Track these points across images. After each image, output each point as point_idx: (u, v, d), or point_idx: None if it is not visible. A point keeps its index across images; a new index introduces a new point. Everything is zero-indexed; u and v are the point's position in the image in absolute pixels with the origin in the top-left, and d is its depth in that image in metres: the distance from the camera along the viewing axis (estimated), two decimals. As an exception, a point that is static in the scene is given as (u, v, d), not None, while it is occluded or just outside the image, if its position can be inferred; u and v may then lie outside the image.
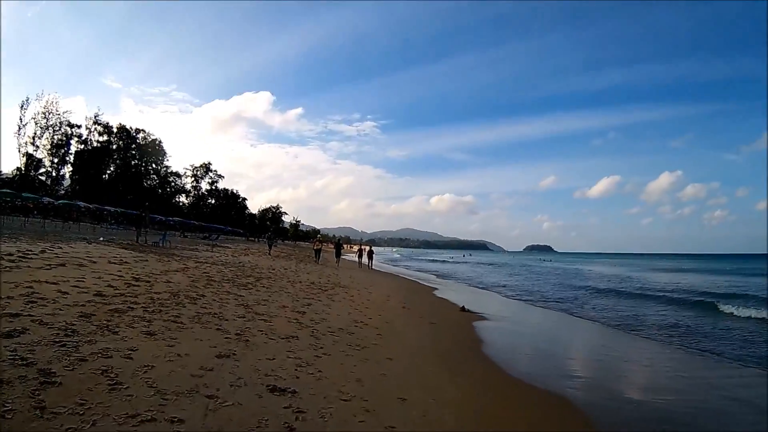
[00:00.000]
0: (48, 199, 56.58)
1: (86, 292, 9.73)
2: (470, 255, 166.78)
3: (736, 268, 73.78)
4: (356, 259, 46.02)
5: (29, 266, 11.89)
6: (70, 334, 6.70)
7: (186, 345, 7.22)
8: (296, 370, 6.95)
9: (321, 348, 8.49)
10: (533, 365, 10.20)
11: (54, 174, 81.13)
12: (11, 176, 74.94)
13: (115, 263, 15.52)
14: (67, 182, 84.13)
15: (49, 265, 12.64)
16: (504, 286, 33.85)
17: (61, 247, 17.81)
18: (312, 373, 6.92)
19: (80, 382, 5.16)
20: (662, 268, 79.07)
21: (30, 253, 14.56)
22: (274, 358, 7.31)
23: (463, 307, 17.98)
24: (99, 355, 6.07)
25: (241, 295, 13.05)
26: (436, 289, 27.07)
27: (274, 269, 24.66)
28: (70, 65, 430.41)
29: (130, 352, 6.42)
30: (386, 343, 9.91)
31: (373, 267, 43.48)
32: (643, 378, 10.04)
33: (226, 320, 9.45)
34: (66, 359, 5.71)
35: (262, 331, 9.03)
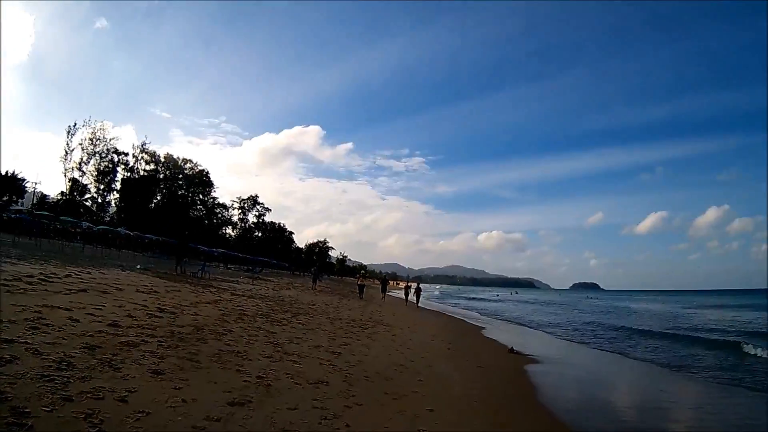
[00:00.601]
0: (87, 223, 57.01)
1: (100, 322, 8.98)
2: (516, 293, 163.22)
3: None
4: (403, 296, 43.87)
5: (46, 290, 11.33)
6: (64, 367, 5.91)
7: (196, 388, 6.30)
8: (320, 423, 5.95)
9: (352, 396, 7.43)
10: (594, 417, 8.94)
11: (99, 200, 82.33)
12: (55, 200, 76.39)
13: (143, 292, 14.84)
14: (112, 209, 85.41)
15: (69, 290, 12.05)
16: (553, 325, 32.29)
17: (90, 273, 17.34)
18: (338, 429, 5.91)
19: (56, 426, 4.42)
20: (711, 304, 75.73)
21: (53, 276, 14.07)
22: (296, 408, 6.32)
23: (512, 348, 16.74)
24: (89, 395, 5.26)
25: (273, 332, 12.11)
26: (483, 328, 25.76)
27: (314, 304, 23.74)
28: (120, 94, 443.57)
29: (127, 393, 5.58)
30: (428, 391, 8.79)
31: (419, 305, 40.85)
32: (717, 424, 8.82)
33: (250, 360, 8.50)
34: (48, 397, 4.97)
35: (288, 374, 8.04)
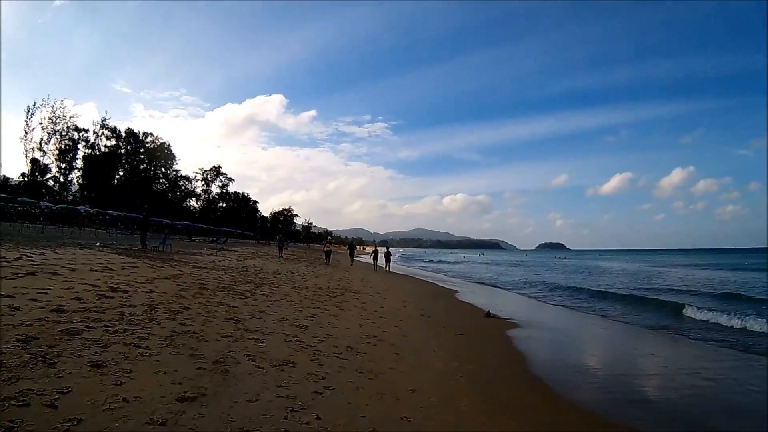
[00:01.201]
0: (46, 203, 55.37)
1: (43, 308, 7.95)
2: (483, 255, 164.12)
3: (755, 263, 71.53)
4: (370, 261, 41.72)
5: None
6: (-13, 366, 4.95)
7: (141, 382, 5.36)
8: (285, 418, 5.03)
9: (323, 379, 6.51)
10: (599, 389, 8.14)
11: (62, 179, 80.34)
12: (17, 182, 74.19)
13: (97, 270, 13.77)
14: (75, 188, 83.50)
15: (16, 274, 10.99)
16: (526, 285, 31.96)
17: (43, 254, 16.25)
18: (307, 422, 4.99)
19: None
20: (680, 264, 76.98)
21: (2, 260, 12.96)
22: (257, 399, 5.40)
23: (489, 312, 16.04)
24: (12, 402, 4.34)
25: (234, 306, 11.12)
26: (455, 291, 25.04)
27: (279, 273, 22.81)
28: (80, 71, 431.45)
29: (58, 395, 4.65)
30: (406, 367, 7.92)
31: (389, 270, 39.05)
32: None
33: (206, 341, 7.52)
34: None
35: (249, 355, 7.09)
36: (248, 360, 6.85)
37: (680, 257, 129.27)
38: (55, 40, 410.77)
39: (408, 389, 6.64)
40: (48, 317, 7.37)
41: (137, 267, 16.36)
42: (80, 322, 7.43)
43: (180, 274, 16.01)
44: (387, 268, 38.63)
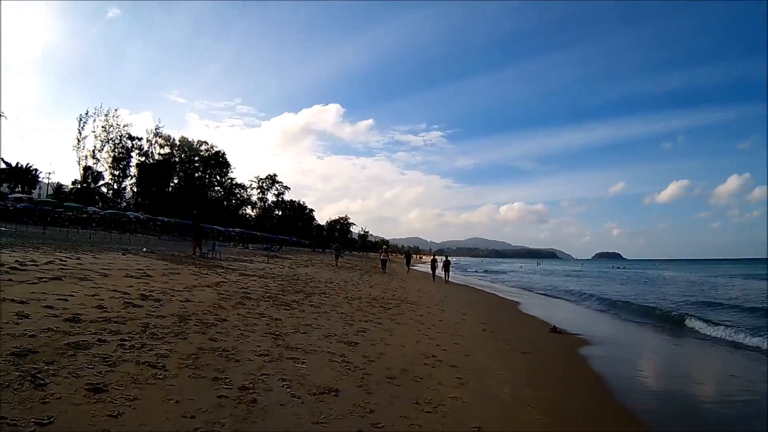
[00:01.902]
0: (94, 208, 56.07)
1: (57, 316, 7.21)
2: (539, 264, 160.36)
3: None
4: (429, 270, 39.53)
5: (11, 279, 9.71)
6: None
7: (144, 412, 4.43)
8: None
9: (370, 413, 5.32)
10: (695, 421, 6.86)
11: (115, 187, 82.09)
12: (69, 189, 76.08)
13: (133, 276, 13.16)
14: (129, 195, 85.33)
15: (40, 278, 10.41)
16: (588, 297, 30.04)
17: (79, 258, 15.76)
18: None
19: None
20: (739, 274, 72.32)
21: (30, 264, 12.50)
22: (285, 441, 4.33)
23: (555, 327, 14.67)
24: None
25: (277, 319, 10.09)
26: (517, 303, 23.54)
27: (332, 282, 21.83)
28: (136, 82, 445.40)
29: (34, 427, 3.79)
30: (469, 395, 6.66)
31: (449, 280, 36.19)
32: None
33: (237, 361, 6.48)
34: None
35: (285, 379, 5.98)
36: (283, 386, 5.76)
37: (737, 267, 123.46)
38: (109, 50, 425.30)
39: (473, 427, 5.44)
40: (58, 327, 6.59)
41: (179, 273, 15.68)
42: (93, 334, 6.61)
43: (224, 282, 15.20)
44: (446, 279, 36.22)
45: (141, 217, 59.58)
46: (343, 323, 10.98)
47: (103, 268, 13.79)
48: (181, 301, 10.48)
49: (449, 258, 40.15)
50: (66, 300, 8.46)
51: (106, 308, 8.37)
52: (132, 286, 11.31)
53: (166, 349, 6.48)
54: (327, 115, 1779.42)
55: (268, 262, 30.89)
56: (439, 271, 37.56)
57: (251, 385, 5.60)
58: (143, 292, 10.62)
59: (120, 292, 10.25)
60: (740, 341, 14.08)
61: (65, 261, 14.38)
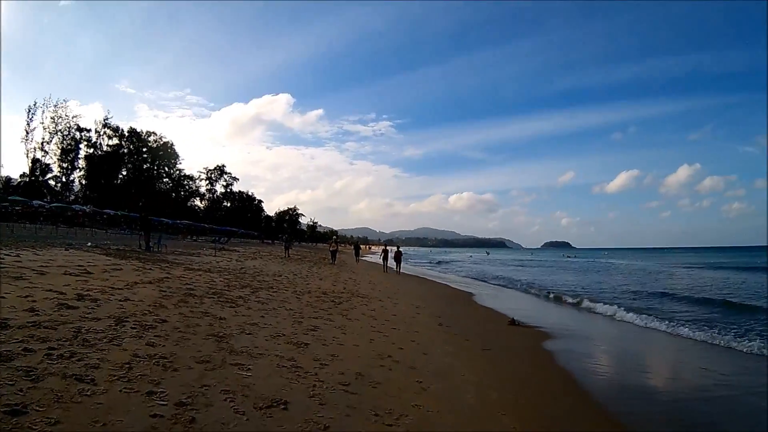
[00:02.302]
0: (38, 202, 53.98)
1: (-22, 322, 6.34)
2: (488, 254, 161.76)
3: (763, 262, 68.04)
4: (380, 261, 38.99)
5: None
6: None
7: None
8: None
9: (325, 429, 4.73)
10: (675, 419, 6.48)
11: (64, 179, 79.55)
12: (17, 182, 73.48)
13: (72, 274, 12.16)
14: (78, 188, 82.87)
15: (-33, 279, 9.39)
16: (541, 287, 29.82)
17: (19, 255, 14.80)
18: None
19: None
20: (690, 263, 73.85)
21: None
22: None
23: (513, 319, 14.28)
24: None
25: (221, 318, 9.34)
26: (471, 294, 23.14)
27: (280, 275, 21.03)
28: (85, 72, 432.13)
29: None
30: (432, 401, 6.08)
31: (400, 271, 35.79)
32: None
33: (175, 370, 5.78)
34: None
35: (227, 391, 5.30)
36: (225, 399, 5.09)
37: (688, 255, 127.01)
38: (60, 40, 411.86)
39: (441, 440, 4.86)
40: (-21, 336, 5.75)
41: (121, 269, 14.71)
42: (19, 342, 5.86)
43: (167, 278, 14.31)
44: (398, 270, 35.95)
45: (88, 210, 57.54)
46: (292, 321, 10.29)
47: (42, 266, 12.89)
48: (120, 300, 9.66)
49: (400, 248, 39.24)
50: (-5, 303, 7.70)
51: (37, 311, 7.58)
52: (69, 285, 10.45)
53: (98, 359, 5.77)
54: (277, 105, 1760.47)
55: (215, 255, 29.88)
56: (391, 262, 36.75)
57: (190, 399, 4.94)
58: (80, 292, 9.79)
59: (56, 291, 9.40)
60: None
61: (2, 258, 13.47)
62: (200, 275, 16.46)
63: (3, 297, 8.14)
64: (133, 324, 7.70)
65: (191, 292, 12.15)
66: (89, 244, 25.03)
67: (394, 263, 36.00)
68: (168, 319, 8.47)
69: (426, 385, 6.79)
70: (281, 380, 6.04)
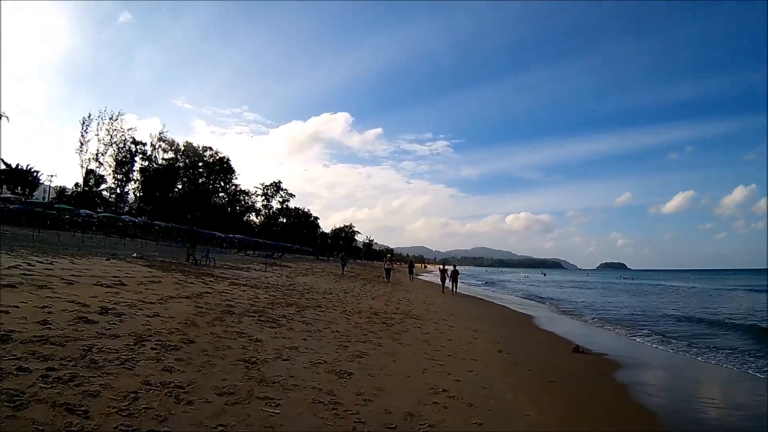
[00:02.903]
0: (86, 211, 54.75)
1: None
2: (545, 274, 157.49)
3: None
4: (435, 280, 36.86)
5: None
6: None
7: None
8: None
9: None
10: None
11: (118, 191, 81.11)
12: (71, 192, 75.26)
13: (104, 285, 11.64)
14: (132, 199, 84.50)
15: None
16: (602, 310, 28.47)
17: (52, 263, 14.43)
18: None
19: None
20: (746, 285, 69.58)
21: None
22: None
23: (578, 346, 12.99)
24: None
25: (257, 340, 8.48)
26: (531, 317, 21.76)
27: (330, 293, 20.17)
28: (144, 87, 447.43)
29: None
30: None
31: (456, 291, 33.62)
32: None
33: (189, 404, 4.92)
34: None
35: (247, 436, 4.43)
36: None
37: (741, 278, 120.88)
38: (119, 55, 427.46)
39: None
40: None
41: (159, 282, 14.13)
42: (16, 359, 5.20)
43: (207, 293, 13.59)
44: (454, 290, 33.75)
45: (138, 221, 58.23)
46: (337, 345, 9.32)
47: (73, 275, 12.37)
48: (148, 316, 8.92)
49: (457, 268, 36.61)
50: (7, 313, 7.07)
51: (50, 324, 6.90)
52: (96, 297, 9.82)
53: (100, 385, 4.98)
54: (336, 123, 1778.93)
55: (265, 271, 29.29)
56: (448, 282, 34.93)
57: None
58: (106, 304, 9.10)
59: (78, 303, 8.74)
60: None
61: (33, 265, 13.09)
62: (244, 291, 15.72)
63: (17, 307, 7.54)
64: (155, 344, 6.92)
65: (230, 309, 11.35)
66: (135, 255, 24.83)
67: (451, 283, 34.17)
68: (196, 340, 7.66)
69: (487, 428, 5.73)
70: (315, 420, 5.08)
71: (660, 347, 14.97)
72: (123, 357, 6.03)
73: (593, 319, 23.42)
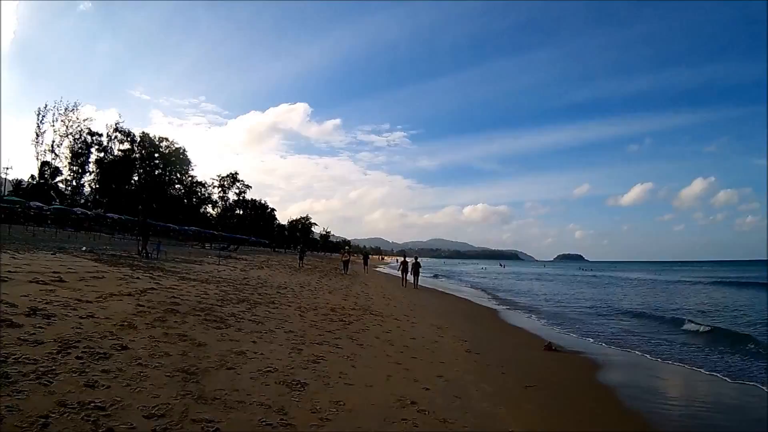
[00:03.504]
0: (37, 203, 52.73)
1: None
2: (503, 266, 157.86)
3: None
4: (394, 273, 35.28)
5: None
6: None
7: None
8: None
9: None
10: None
11: (74, 183, 78.63)
12: (27, 185, 72.79)
13: (40, 282, 10.37)
14: (88, 191, 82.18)
15: None
16: (566, 304, 27.99)
17: None
18: None
19: None
20: (702, 278, 70.01)
21: None
22: None
23: (550, 343, 12.30)
24: None
25: (200, 344, 7.44)
26: (496, 311, 21.04)
27: (285, 288, 19.11)
28: (103, 77, 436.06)
29: None
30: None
31: (418, 286, 32.03)
32: None
33: (108, 432, 3.94)
34: None
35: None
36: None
37: (699, 269, 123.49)
38: (78, 44, 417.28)
39: None
40: None
41: (103, 278, 12.90)
42: None
43: (153, 290, 12.40)
44: (415, 284, 32.27)
45: (91, 213, 56.28)
46: (290, 348, 8.33)
47: (10, 271, 11.12)
48: (81, 317, 7.82)
49: (419, 260, 34.71)
50: None
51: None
52: (29, 296, 8.66)
53: (6, 407, 4.05)
54: (294, 114, 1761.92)
55: (218, 264, 27.98)
56: (408, 275, 33.35)
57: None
58: (36, 305, 7.99)
59: (6, 304, 7.65)
60: None
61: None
62: (194, 286, 14.58)
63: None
64: (82, 352, 5.90)
65: (175, 307, 10.23)
66: (84, 248, 23.54)
67: (412, 276, 32.59)
68: (130, 345, 6.62)
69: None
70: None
71: (635, 343, 14.29)
72: (41, 369, 5.05)
73: (558, 312, 22.68)
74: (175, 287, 13.63)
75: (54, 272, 12.21)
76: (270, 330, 9.57)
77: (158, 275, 16.08)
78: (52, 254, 17.49)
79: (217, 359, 6.75)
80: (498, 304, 24.82)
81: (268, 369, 6.72)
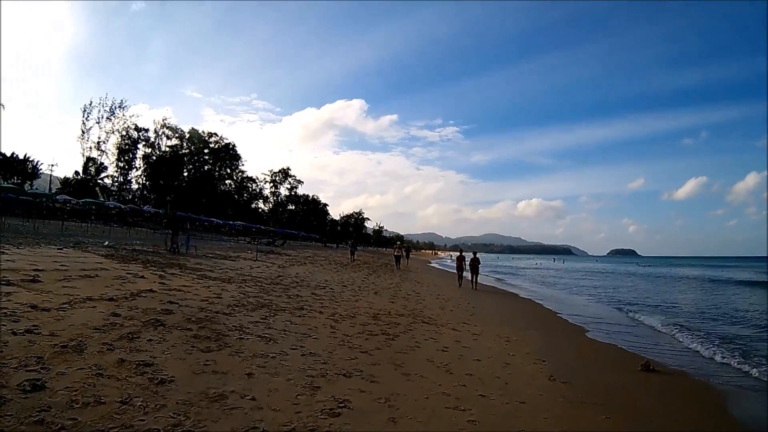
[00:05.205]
0: (64, 197, 52.11)
1: None
2: (564, 262, 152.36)
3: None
4: (448, 269, 31.01)
5: None
6: None
7: None
8: None
9: None
10: None
11: (120, 179, 78.66)
12: (71, 180, 73.03)
13: (9, 283, 8.61)
14: (135, 187, 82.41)
15: None
16: (644, 305, 23.71)
17: None
18: None
19: None
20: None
21: None
22: None
23: (647, 362, 9.36)
24: None
25: (163, 381, 5.00)
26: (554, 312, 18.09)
27: (324, 288, 16.68)
28: (155, 77, 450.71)
29: None
30: None
31: (476, 286, 26.62)
32: None
33: None
34: None
35: None
36: None
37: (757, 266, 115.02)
38: (132, 43, 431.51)
39: None
40: None
41: (96, 278, 11.00)
42: None
43: (151, 291, 10.33)
44: (474, 284, 27.00)
45: (124, 208, 55.48)
46: (303, 384, 5.65)
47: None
48: (16, 332, 5.75)
49: (478, 255, 29.38)
50: None
51: None
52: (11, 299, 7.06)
53: None
54: (350, 110, 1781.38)
55: (256, 260, 25.78)
56: (467, 274, 28.71)
57: None
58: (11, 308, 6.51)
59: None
60: None
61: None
62: (207, 287, 12.26)
63: None
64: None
65: (162, 317, 7.81)
66: (106, 243, 22.19)
67: (470, 275, 27.81)
68: (57, 381, 4.51)
69: None
70: None
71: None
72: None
73: (643, 317, 18.74)
74: (182, 289, 11.35)
75: (36, 270, 10.38)
76: (282, 352, 6.93)
77: (171, 273, 13.90)
78: (57, 249, 15.88)
79: (173, 411, 4.25)
80: (563, 306, 21.43)
81: (273, 407, 4.26)
